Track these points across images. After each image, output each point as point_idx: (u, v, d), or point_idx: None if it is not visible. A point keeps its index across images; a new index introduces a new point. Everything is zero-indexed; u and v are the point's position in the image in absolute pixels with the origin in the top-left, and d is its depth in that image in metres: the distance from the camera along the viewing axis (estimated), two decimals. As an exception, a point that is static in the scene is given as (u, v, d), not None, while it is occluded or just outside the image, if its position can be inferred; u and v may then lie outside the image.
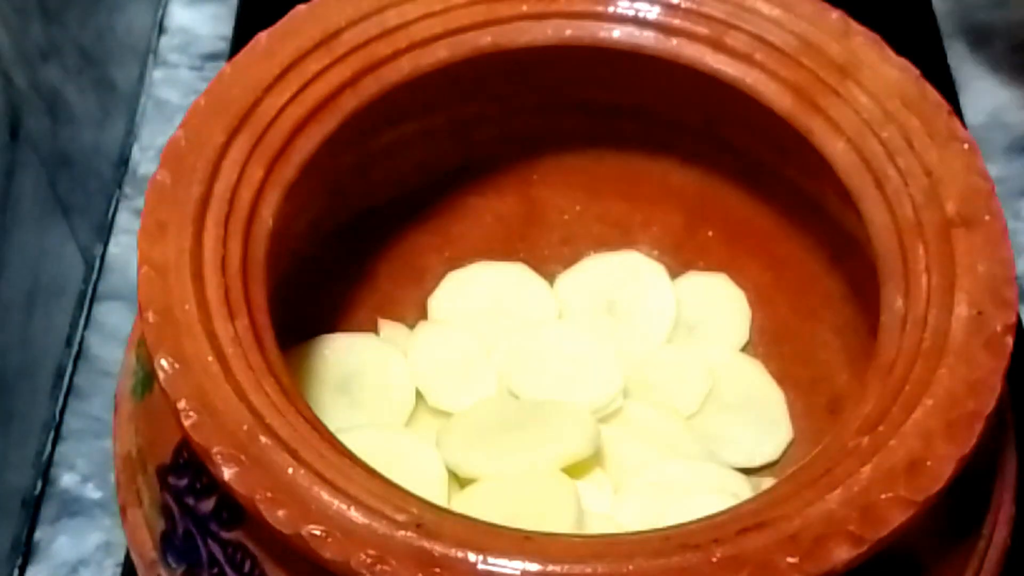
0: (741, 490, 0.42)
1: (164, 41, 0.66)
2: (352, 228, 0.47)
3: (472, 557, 0.28)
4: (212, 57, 0.65)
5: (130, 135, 0.62)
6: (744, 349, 0.48)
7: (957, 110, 0.40)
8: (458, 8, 0.40)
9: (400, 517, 0.29)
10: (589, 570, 0.28)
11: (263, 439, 0.30)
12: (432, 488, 0.41)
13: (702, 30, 0.40)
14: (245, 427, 0.30)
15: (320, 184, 0.39)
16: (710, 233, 0.49)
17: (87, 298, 0.56)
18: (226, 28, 0.66)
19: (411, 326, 0.48)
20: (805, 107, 0.38)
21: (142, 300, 0.32)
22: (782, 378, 0.47)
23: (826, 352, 0.46)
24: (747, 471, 0.44)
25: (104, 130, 0.60)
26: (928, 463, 0.30)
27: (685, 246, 0.49)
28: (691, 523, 0.31)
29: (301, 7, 0.39)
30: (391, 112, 0.40)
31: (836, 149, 0.38)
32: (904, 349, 0.33)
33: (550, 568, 0.28)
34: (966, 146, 0.36)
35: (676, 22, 0.40)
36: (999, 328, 0.33)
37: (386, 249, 0.49)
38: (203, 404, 0.31)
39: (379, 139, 0.44)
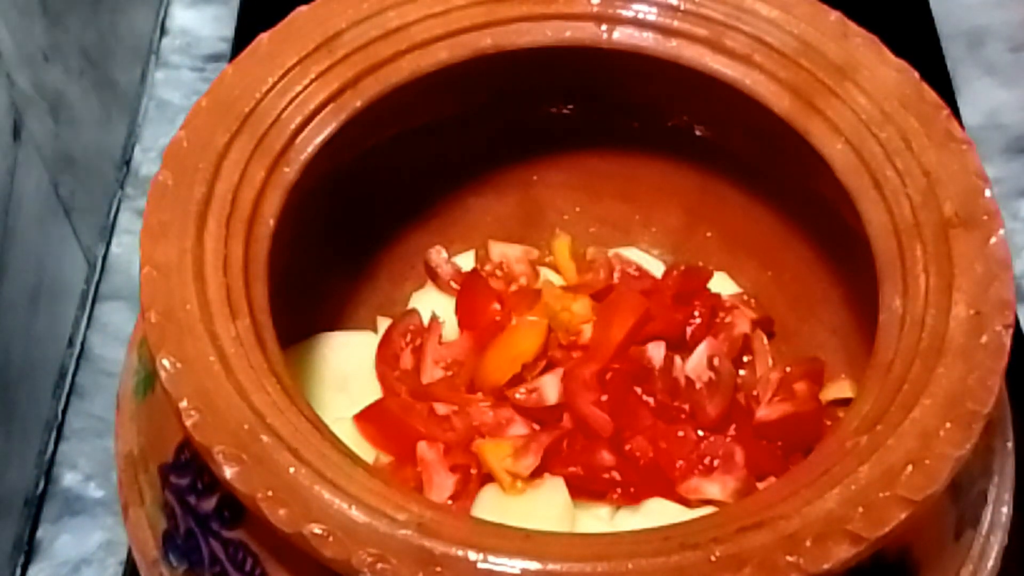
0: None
1: (166, 42, 0.66)
2: (352, 227, 0.47)
3: (472, 556, 0.29)
4: (213, 58, 0.66)
5: (132, 136, 0.62)
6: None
7: (955, 111, 0.40)
8: (459, 9, 0.40)
9: (401, 516, 0.29)
10: (589, 569, 0.29)
11: (264, 438, 0.30)
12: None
13: (701, 31, 0.40)
14: (246, 426, 0.30)
15: (321, 184, 0.39)
16: (709, 233, 0.49)
17: (89, 298, 0.56)
18: (227, 29, 0.66)
19: (411, 325, 0.48)
20: (803, 108, 0.38)
21: (144, 300, 0.32)
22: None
23: (824, 352, 0.46)
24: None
25: (106, 131, 0.60)
26: (927, 462, 0.30)
27: (684, 246, 0.49)
28: (691, 522, 0.31)
29: (302, 8, 0.39)
30: (391, 113, 0.40)
31: (834, 150, 0.38)
32: (902, 349, 0.33)
33: (550, 567, 0.29)
34: (964, 147, 0.36)
35: (675, 23, 0.40)
36: (997, 328, 0.33)
37: (386, 248, 0.49)
38: (205, 403, 0.31)
39: (379, 140, 0.44)
